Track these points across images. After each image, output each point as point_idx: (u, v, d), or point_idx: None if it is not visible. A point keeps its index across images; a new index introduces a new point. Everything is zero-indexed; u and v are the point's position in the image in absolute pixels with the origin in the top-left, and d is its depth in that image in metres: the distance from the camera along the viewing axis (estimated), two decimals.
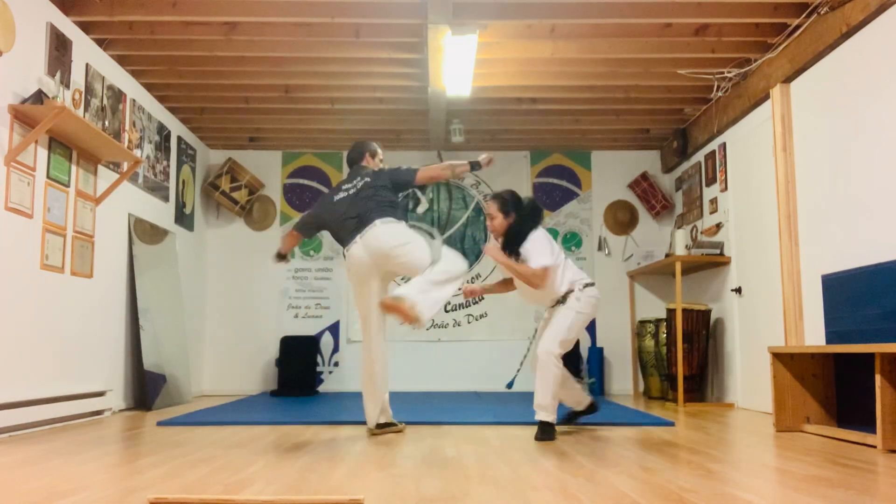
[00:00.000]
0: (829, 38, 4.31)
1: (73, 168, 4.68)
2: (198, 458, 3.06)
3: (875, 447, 3.34)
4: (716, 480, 2.56)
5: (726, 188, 6.04)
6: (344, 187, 3.96)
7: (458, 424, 4.41)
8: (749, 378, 5.56)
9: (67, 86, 4.48)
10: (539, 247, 3.78)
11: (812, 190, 4.62)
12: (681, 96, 6.10)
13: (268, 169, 7.54)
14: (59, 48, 4.47)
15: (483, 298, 7.37)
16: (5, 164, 3.92)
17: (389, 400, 4.07)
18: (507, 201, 3.89)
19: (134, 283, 5.55)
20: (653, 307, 7.34)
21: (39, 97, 4.09)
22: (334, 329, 7.39)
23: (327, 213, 3.97)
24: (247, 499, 2.16)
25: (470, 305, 7.45)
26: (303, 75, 5.66)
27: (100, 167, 5.05)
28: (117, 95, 5.31)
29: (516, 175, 7.58)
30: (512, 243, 3.84)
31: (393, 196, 3.88)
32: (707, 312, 6.06)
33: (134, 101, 5.61)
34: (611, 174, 7.59)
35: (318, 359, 7.28)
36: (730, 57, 5.27)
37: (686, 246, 6.26)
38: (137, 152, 5.58)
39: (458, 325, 7.44)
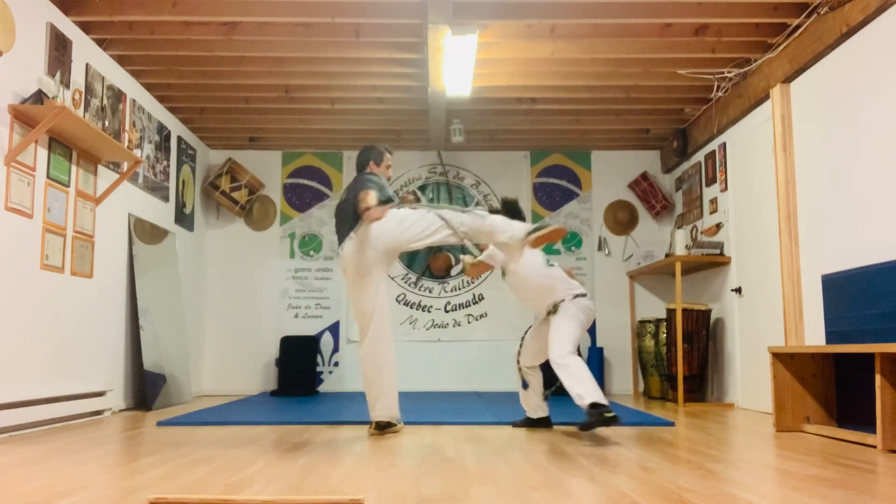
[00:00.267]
0: (829, 39, 4.31)
1: (73, 168, 4.68)
2: (198, 458, 3.06)
3: (875, 447, 3.35)
4: (716, 480, 2.56)
5: (726, 188, 6.04)
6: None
7: (458, 424, 4.42)
8: (749, 378, 5.56)
9: (67, 86, 4.48)
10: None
11: (812, 190, 4.62)
12: (681, 96, 6.10)
13: (268, 169, 7.54)
14: (59, 48, 4.47)
15: (483, 298, 7.39)
16: (5, 164, 3.92)
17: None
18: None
19: (134, 283, 5.55)
20: (653, 307, 7.34)
21: (39, 97, 4.09)
22: (334, 329, 7.40)
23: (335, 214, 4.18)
24: (247, 499, 2.16)
25: (470, 305, 7.46)
26: (303, 75, 5.66)
27: (100, 167, 5.05)
28: (117, 95, 5.31)
29: (516, 175, 7.59)
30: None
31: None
32: (707, 312, 6.06)
33: (134, 101, 5.61)
34: (611, 174, 7.59)
35: (318, 359, 7.28)
36: (730, 57, 5.27)
37: (686, 246, 6.27)
38: (137, 152, 5.58)
39: (458, 325, 7.44)
